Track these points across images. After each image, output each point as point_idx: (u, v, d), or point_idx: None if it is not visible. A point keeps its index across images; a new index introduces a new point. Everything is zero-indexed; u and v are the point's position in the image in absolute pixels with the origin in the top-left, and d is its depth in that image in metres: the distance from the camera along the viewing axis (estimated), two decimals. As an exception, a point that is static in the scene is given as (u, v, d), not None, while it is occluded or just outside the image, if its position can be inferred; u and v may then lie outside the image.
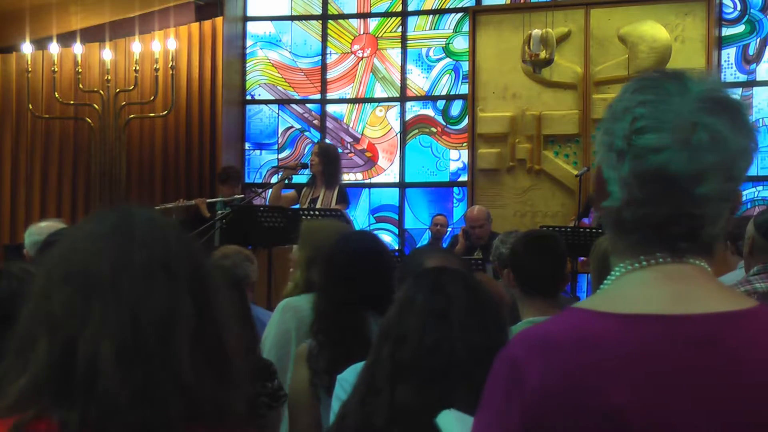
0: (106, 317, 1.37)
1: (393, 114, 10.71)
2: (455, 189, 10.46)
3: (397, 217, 10.63)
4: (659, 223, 1.36)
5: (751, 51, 9.64)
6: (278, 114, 11.03)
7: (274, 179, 10.73)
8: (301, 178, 8.45)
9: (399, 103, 10.66)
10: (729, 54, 9.66)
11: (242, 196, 9.16)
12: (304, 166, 8.46)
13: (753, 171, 8.19)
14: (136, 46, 10.22)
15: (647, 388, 1.28)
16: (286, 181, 8.55)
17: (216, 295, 1.45)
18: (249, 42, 11.06)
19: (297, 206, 7.95)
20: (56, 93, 10.27)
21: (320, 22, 10.95)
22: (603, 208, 1.41)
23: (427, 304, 2.18)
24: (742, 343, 1.33)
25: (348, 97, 10.87)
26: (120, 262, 1.40)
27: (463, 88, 10.29)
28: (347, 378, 2.63)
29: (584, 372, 1.29)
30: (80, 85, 10.34)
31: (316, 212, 7.37)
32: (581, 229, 7.78)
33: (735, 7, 9.65)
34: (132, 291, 1.39)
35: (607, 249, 3.86)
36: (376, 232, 10.24)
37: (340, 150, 9.61)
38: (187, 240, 1.49)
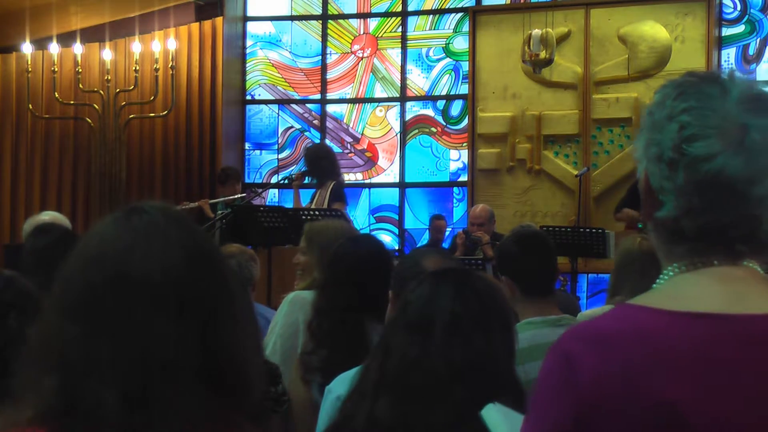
0: (113, 360, 1.29)
1: (393, 114, 10.71)
2: (455, 189, 10.46)
3: (397, 217, 10.63)
4: (721, 228, 1.36)
5: (751, 51, 9.64)
6: (278, 114, 11.02)
7: (273, 179, 10.75)
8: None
9: (399, 103, 10.66)
10: (729, 54, 9.66)
11: (243, 194, 9.15)
12: (305, 173, 8.48)
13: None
14: (136, 46, 10.21)
15: (703, 384, 1.29)
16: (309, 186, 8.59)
17: (230, 310, 1.38)
18: (249, 42, 11.06)
19: None
20: (56, 93, 10.26)
21: (320, 22, 10.94)
22: (656, 218, 1.40)
23: (411, 319, 2.14)
24: None
25: (348, 97, 10.87)
26: (131, 294, 1.32)
27: (463, 88, 10.29)
28: (333, 389, 2.62)
29: (638, 366, 1.29)
30: (80, 85, 10.34)
31: (317, 213, 7.37)
32: (581, 229, 7.81)
33: (735, 7, 9.65)
34: (141, 329, 1.31)
35: (630, 248, 3.93)
36: (375, 232, 10.26)
37: (337, 148, 9.59)
38: (205, 255, 1.38)
